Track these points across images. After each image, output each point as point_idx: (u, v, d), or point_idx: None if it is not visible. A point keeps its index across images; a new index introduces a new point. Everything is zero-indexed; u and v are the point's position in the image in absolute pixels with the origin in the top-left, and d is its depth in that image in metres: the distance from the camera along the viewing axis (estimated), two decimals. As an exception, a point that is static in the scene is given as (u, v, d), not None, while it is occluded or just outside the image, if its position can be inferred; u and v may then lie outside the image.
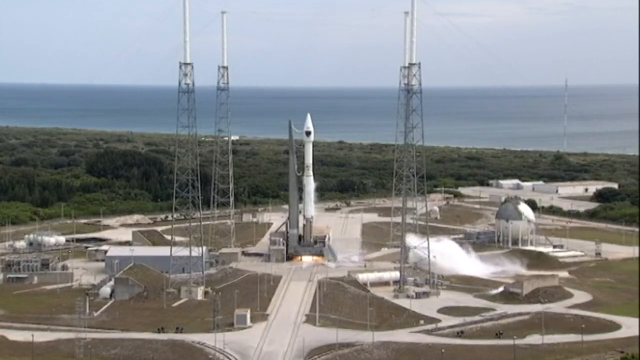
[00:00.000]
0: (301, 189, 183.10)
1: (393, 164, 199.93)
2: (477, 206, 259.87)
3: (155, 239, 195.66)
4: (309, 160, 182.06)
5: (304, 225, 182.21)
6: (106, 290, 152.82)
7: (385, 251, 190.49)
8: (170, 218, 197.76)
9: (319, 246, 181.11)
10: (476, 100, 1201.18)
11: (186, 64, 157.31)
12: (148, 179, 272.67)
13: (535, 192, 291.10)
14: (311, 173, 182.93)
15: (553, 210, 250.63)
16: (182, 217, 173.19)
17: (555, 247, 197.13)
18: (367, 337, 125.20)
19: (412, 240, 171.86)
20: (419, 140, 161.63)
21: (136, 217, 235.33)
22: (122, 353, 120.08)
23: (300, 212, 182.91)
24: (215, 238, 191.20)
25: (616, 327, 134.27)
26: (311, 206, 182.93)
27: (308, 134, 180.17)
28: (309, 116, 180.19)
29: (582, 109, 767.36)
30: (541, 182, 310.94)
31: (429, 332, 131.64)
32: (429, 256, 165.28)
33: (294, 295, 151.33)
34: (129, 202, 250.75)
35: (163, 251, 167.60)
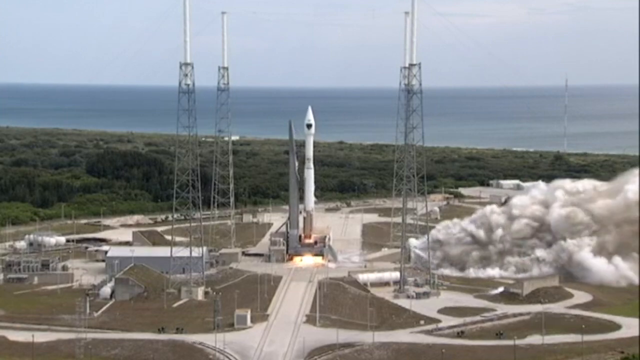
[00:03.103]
0: (301, 186, 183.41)
1: (393, 164, 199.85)
2: (477, 206, 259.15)
3: (155, 239, 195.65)
4: (310, 152, 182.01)
5: (304, 218, 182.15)
6: (106, 290, 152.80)
7: (385, 251, 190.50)
8: (170, 218, 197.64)
9: (319, 246, 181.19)
10: (476, 100, 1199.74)
11: (186, 64, 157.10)
12: (148, 179, 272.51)
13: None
14: (311, 165, 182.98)
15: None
16: (182, 217, 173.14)
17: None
18: (367, 337, 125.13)
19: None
20: (419, 140, 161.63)
21: (136, 217, 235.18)
22: (122, 353, 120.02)
23: (301, 212, 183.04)
24: (215, 238, 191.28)
25: (616, 327, 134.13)
26: (311, 199, 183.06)
27: (309, 126, 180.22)
28: (309, 109, 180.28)
29: (582, 109, 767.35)
30: (541, 182, 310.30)
31: (429, 332, 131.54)
32: (428, 256, 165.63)
33: (294, 295, 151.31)
34: (129, 202, 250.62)
35: (163, 251, 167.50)
